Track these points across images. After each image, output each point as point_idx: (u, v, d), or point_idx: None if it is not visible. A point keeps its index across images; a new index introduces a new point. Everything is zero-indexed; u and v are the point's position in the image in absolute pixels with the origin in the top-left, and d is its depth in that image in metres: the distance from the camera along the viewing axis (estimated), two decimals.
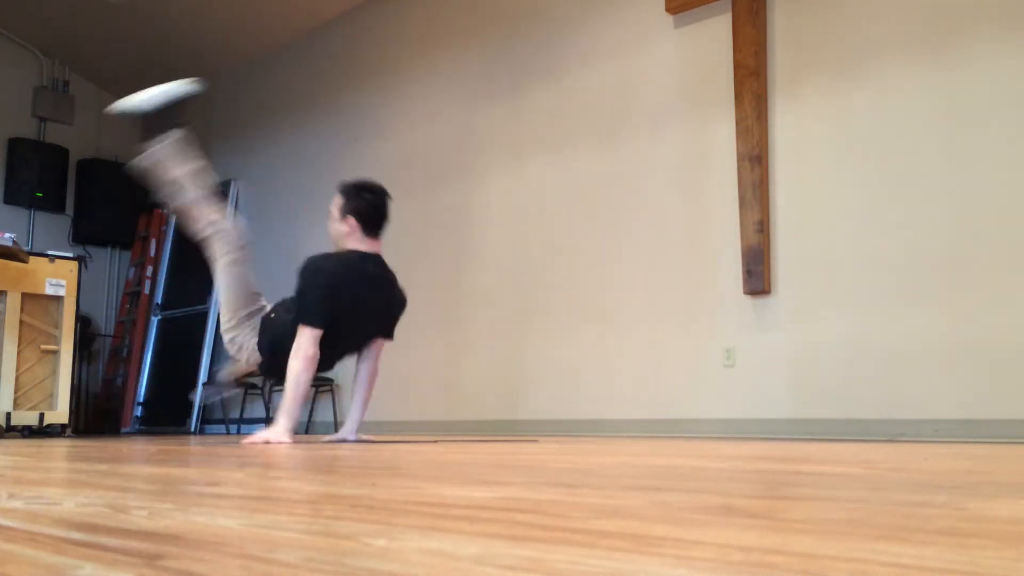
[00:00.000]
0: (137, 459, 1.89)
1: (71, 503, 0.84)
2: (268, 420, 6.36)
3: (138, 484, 1.11)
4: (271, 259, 6.89)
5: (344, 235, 3.08)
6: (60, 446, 2.97)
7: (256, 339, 3.10)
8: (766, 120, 4.11)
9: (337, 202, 3.09)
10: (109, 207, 7.81)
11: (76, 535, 0.61)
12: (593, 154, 4.83)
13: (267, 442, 2.82)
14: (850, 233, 3.83)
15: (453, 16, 5.77)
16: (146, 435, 6.34)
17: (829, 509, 0.73)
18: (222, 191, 7.33)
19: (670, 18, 4.56)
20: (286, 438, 2.85)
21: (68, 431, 5.08)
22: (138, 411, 7.35)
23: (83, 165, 7.81)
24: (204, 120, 7.82)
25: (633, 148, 4.64)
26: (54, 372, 5.05)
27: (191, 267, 7.37)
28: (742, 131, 4.14)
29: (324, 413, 6.08)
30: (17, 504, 0.83)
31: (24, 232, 7.40)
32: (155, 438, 4.84)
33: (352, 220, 3.07)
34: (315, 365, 2.96)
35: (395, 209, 5.88)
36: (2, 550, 0.54)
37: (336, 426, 5.90)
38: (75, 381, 5.40)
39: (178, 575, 0.45)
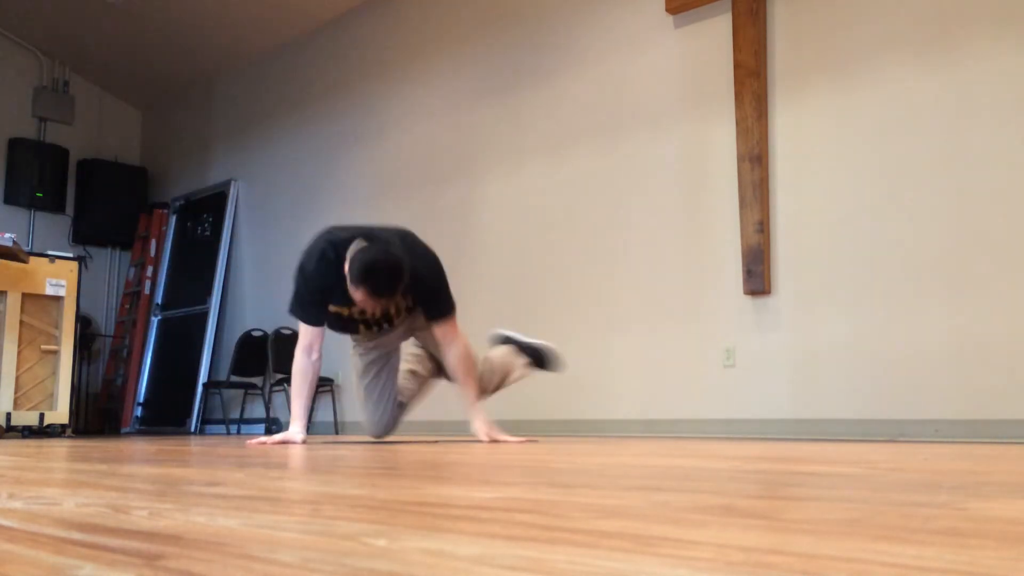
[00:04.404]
0: (137, 459, 1.89)
1: (71, 503, 0.84)
2: (268, 420, 6.36)
3: (138, 484, 1.11)
4: (271, 258, 6.89)
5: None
6: (60, 446, 2.97)
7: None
8: (766, 120, 4.11)
9: (398, 297, 2.98)
10: (109, 207, 7.81)
11: (76, 535, 0.61)
12: (593, 154, 4.83)
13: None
14: (850, 233, 3.83)
15: (453, 16, 5.77)
16: (146, 435, 6.34)
17: (829, 509, 0.73)
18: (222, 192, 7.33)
19: (670, 18, 4.56)
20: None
21: (68, 431, 5.08)
22: (138, 411, 7.34)
23: (83, 165, 7.82)
24: (204, 120, 7.82)
25: (633, 148, 4.64)
26: (54, 372, 5.05)
27: (191, 267, 7.38)
28: (742, 131, 4.14)
29: (325, 413, 6.08)
30: (17, 504, 0.83)
31: (24, 232, 7.40)
32: (155, 438, 4.84)
33: None
34: None
35: (395, 209, 5.90)
36: (2, 550, 0.54)
37: (336, 426, 5.90)
38: (75, 381, 5.40)
39: (178, 575, 0.45)
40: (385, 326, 3.17)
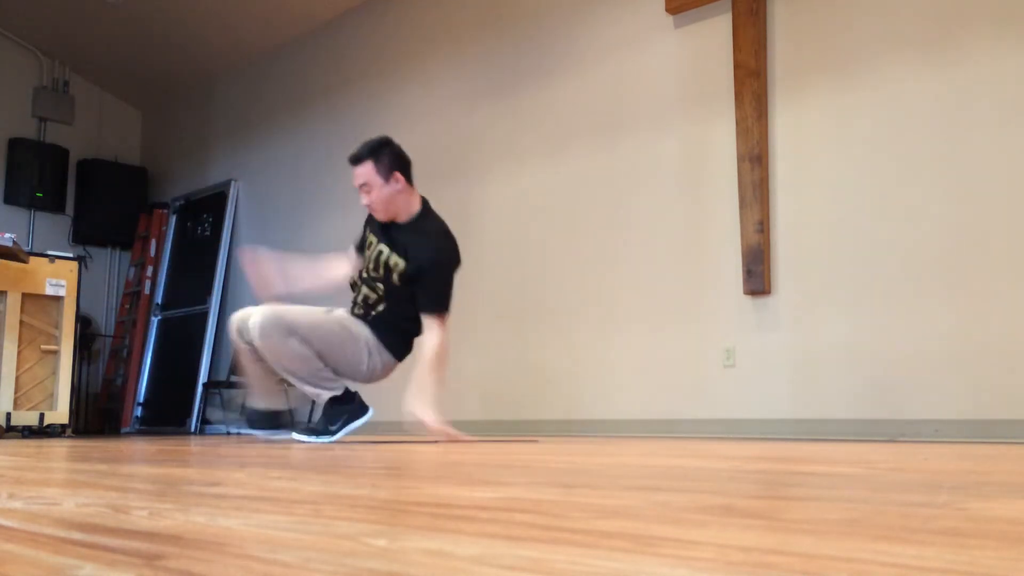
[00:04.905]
0: (137, 459, 1.90)
1: (71, 503, 0.84)
2: None
3: (138, 484, 1.11)
4: None
5: (397, 193, 3.15)
6: (60, 446, 2.97)
7: (385, 349, 3.24)
8: (766, 120, 4.11)
9: (369, 170, 3.12)
10: (109, 207, 7.81)
11: (76, 535, 0.61)
12: (593, 154, 4.82)
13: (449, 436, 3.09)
14: (850, 233, 3.83)
15: (452, 16, 5.77)
16: (146, 435, 6.34)
17: (829, 509, 0.73)
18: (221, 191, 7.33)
19: (670, 18, 4.56)
20: (452, 432, 3.10)
21: (68, 431, 5.07)
22: (138, 411, 7.34)
23: (83, 165, 7.81)
24: (204, 120, 7.82)
25: (633, 148, 4.64)
26: (54, 372, 5.05)
27: (191, 267, 7.37)
28: (742, 131, 4.14)
29: None
30: (17, 504, 0.83)
31: (24, 232, 7.40)
32: (155, 438, 4.84)
33: (399, 175, 3.14)
34: None
35: None
36: (2, 550, 0.54)
37: None
38: (75, 381, 5.40)
39: (178, 575, 0.45)
40: (371, 292, 3.22)
